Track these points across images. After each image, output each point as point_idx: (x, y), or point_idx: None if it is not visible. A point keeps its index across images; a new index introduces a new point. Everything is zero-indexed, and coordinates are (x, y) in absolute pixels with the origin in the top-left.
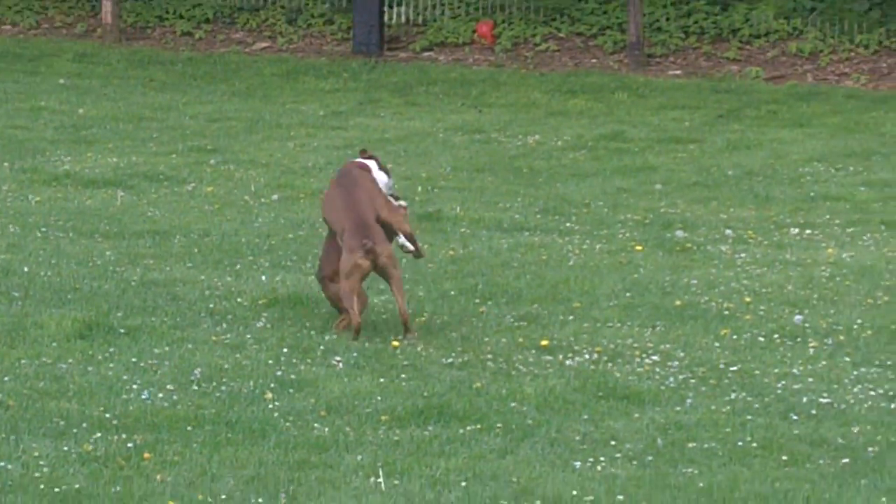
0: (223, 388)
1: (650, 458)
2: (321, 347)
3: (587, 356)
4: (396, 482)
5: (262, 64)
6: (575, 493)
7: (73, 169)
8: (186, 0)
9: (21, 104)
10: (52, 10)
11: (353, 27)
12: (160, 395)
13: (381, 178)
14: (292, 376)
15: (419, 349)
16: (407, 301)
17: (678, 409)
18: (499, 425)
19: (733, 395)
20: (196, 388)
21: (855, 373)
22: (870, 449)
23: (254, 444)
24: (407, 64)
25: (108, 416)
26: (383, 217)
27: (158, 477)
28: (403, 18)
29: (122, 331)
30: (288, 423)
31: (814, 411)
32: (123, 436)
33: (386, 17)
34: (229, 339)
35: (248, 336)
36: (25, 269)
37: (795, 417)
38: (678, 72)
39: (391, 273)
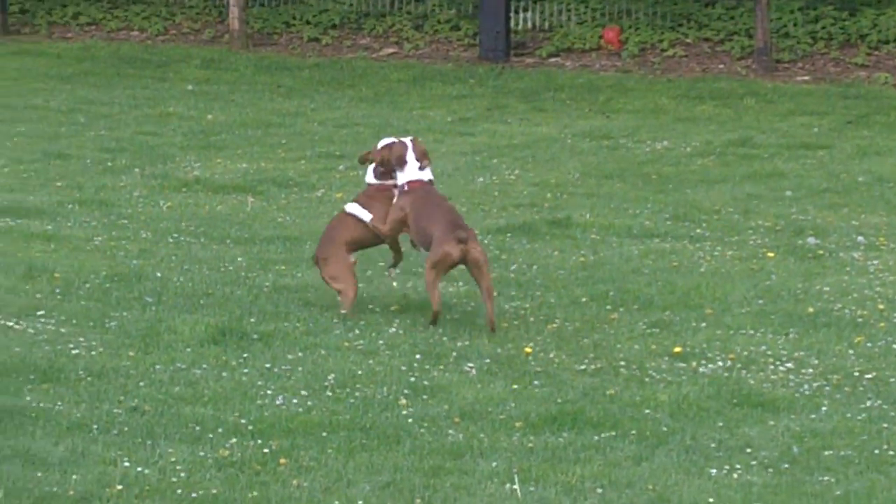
0: (357, 393)
1: (786, 465)
2: (454, 353)
3: (720, 363)
4: (532, 489)
5: (389, 70)
6: (711, 500)
7: (203, 175)
8: (313, 6)
9: (150, 110)
10: (179, 16)
11: (480, 33)
12: (294, 400)
13: None
14: (425, 382)
15: (552, 356)
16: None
17: (813, 416)
18: (633, 432)
19: (869, 403)
20: (330, 393)
21: None
22: None
23: (388, 450)
24: (534, 70)
25: (243, 421)
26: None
27: (294, 482)
28: (530, 24)
29: (255, 336)
30: (422, 429)
31: None
32: (259, 441)
33: (512, 23)
34: (362, 345)
35: (381, 342)
36: (158, 274)
37: None
38: (806, 77)
39: (483, 271)
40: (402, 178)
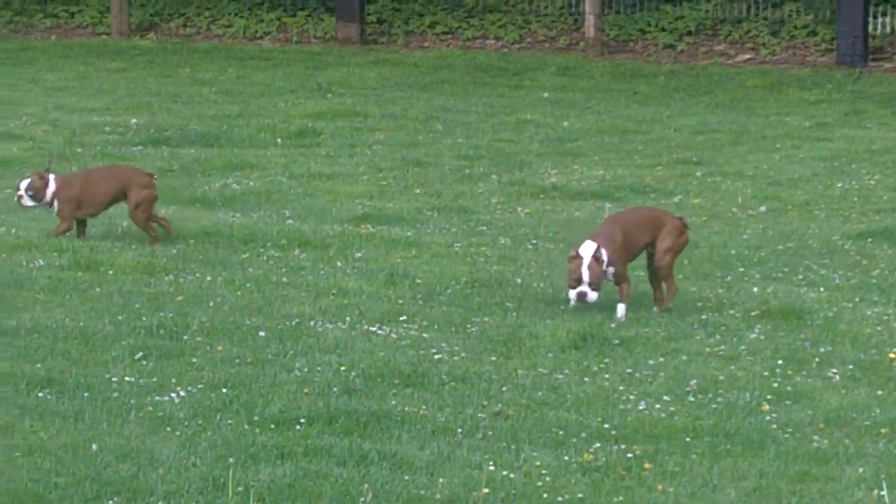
0: (719, 399)
1: None
2: (816, 359)
3: None
4: None
5: (745, 76)
6: None
7: (560, 181)
8: (669, 13)
9: (506, 118)
10: (535, 24)
11: (838, 38)
12: (657, 405)
13: None
14: (788, 388)
15: None
16: None
17: None
18: None
19: None
20: (692, 399)
21: None
22: None
23: (753, 456)
24: (892, 75)
25: (605, 426)
26: None
27: (660, 487)
28: (888, 29)
29: (615, 342)
30: (786, 435)
31: None
32: (622, 446)
33: (870, 28)
34: (723, 350)
35: (742, 347)
36: (518, 280)
37: None
38: None
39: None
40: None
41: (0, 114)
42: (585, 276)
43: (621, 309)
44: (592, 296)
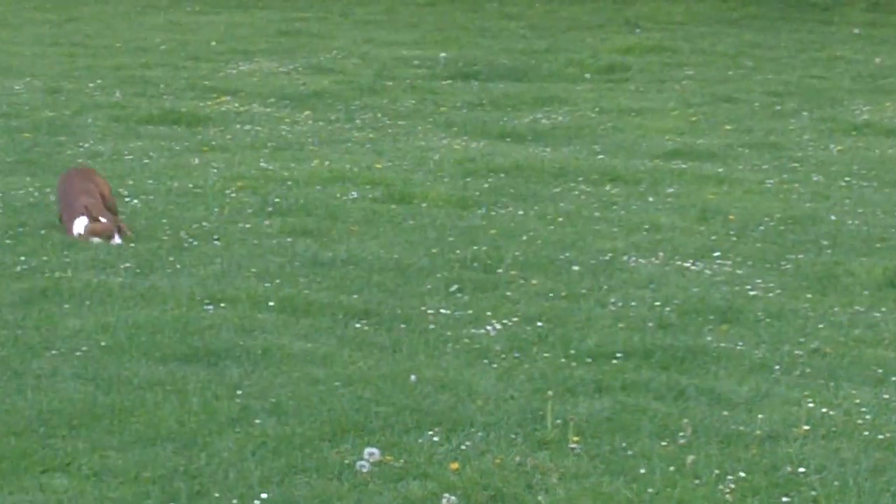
0: None
1: None
2: None
3: None
4: None
5: None
6: None
7: (873, 118)
8: None
9: (816, 53)
10: None
11: None
12: None
13: None
14: None
15: None
16: None
17: None
18: None
19: None
20: None
21: None
22: None
23: None
24: None
25: None
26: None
27: None
28: None
29: None
30: None
31: None
32: None
33: None
34: None
35: None
36: (832, 217)
37: None
38: None
39: None
40: None
41: (310, 47)
42: None
43: None
44: None
